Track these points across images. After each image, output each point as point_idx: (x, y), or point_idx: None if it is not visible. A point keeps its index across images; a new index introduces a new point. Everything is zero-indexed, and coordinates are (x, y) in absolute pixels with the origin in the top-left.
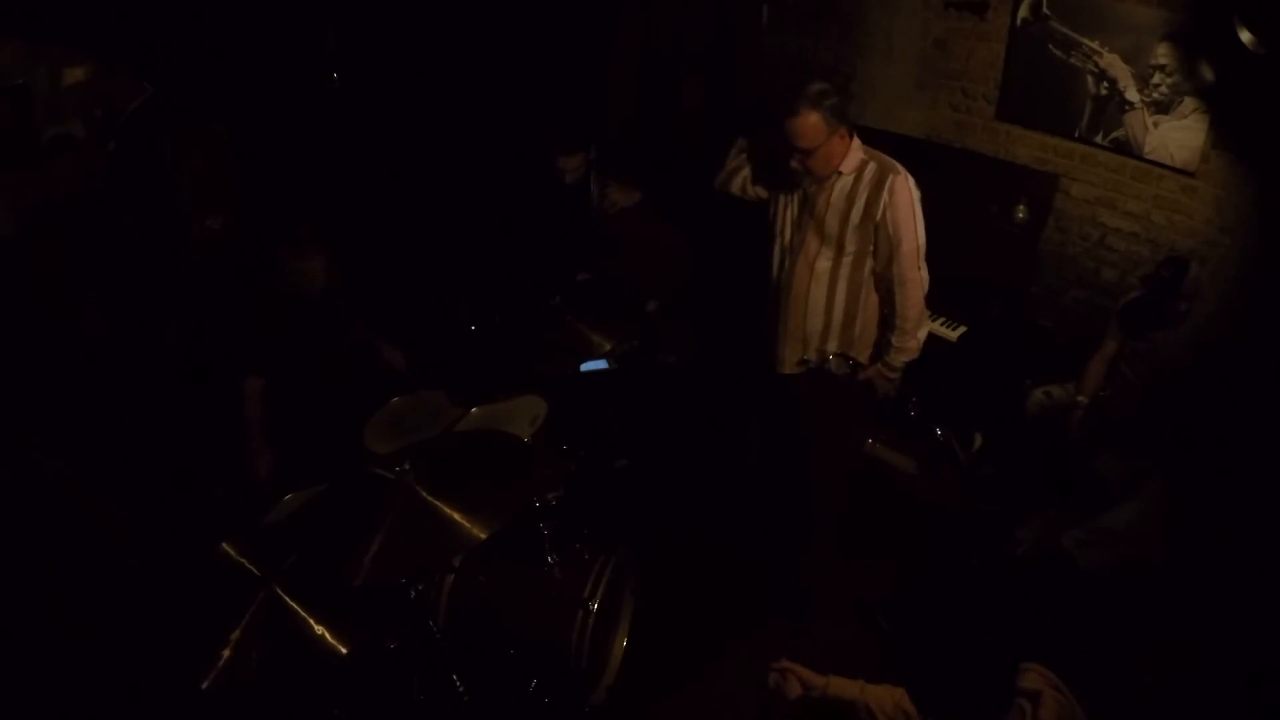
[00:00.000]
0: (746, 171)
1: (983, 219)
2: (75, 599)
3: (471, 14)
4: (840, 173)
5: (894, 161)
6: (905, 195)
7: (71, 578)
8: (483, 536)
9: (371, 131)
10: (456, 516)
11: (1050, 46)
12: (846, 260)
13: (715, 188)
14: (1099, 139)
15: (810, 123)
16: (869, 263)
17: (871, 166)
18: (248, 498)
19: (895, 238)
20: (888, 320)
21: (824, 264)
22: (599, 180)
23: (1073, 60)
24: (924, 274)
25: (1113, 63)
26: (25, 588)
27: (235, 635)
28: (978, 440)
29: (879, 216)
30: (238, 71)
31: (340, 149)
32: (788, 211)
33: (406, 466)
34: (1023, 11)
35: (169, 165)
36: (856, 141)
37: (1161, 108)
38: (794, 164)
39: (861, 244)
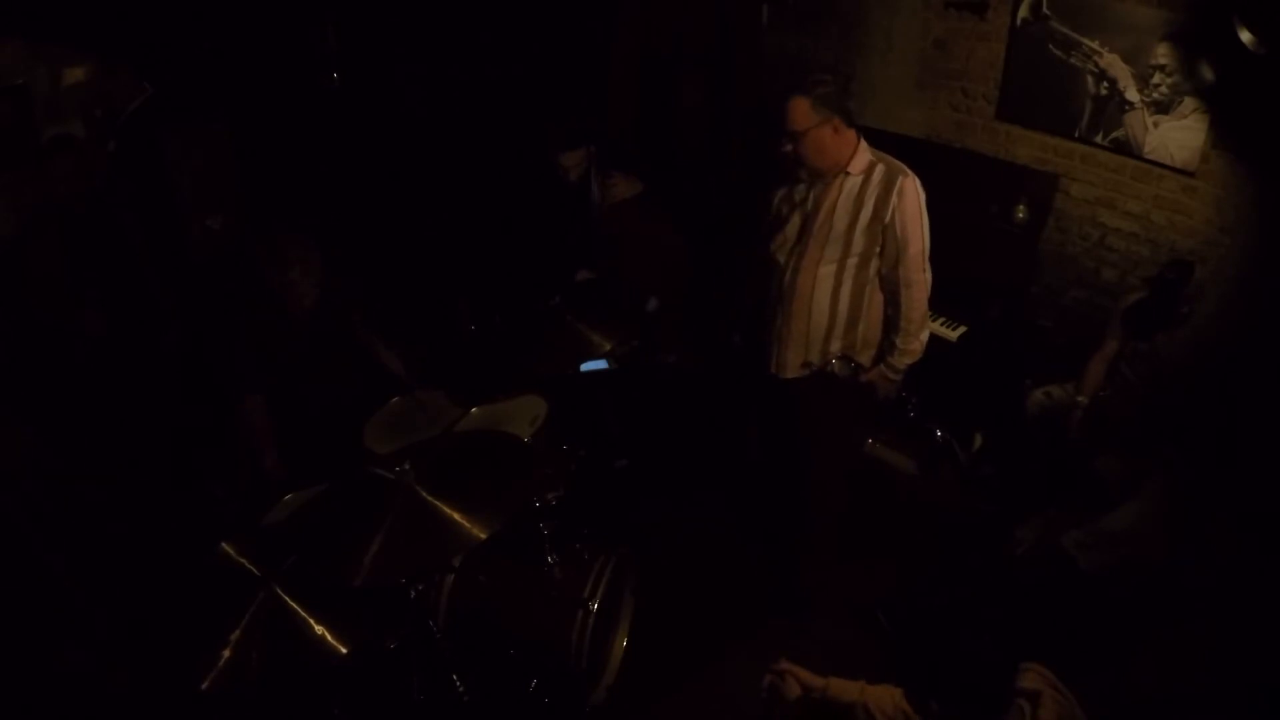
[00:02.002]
0: None
1: (983, 219)
2: (78, 594)
3: (471, 14)
4: (848, 173)
5: (901, 164)
6: (914, 197)
7: (74, 574)
8: (483, 536)
9: (371, 132)
10: (456, 516)
11: (1050, 46)
12: (852, 262)
13: None
14: (1099, 139)
15: (797, 106)
16: (874, 264)
17: (880, 168)
18: (248, 498)
19: (903, 239)
20: (891, 322)
21: (829, 266)
22: (600, 173)
23: (1073, 60)
24: (928, 275)
25: (1113, 63)
26: (30, 583)
27: (235, 635)
28: (978, 440)
29: (888, 218)
30: (238, 71)
31: (340, 149)
32: (792, 215)
33: (406, 466)
34: (1023, 11)
35: (169, 165)
36: (864, 144)
37: (1161, 108)
38: (785, 148)
39: (868, 246)
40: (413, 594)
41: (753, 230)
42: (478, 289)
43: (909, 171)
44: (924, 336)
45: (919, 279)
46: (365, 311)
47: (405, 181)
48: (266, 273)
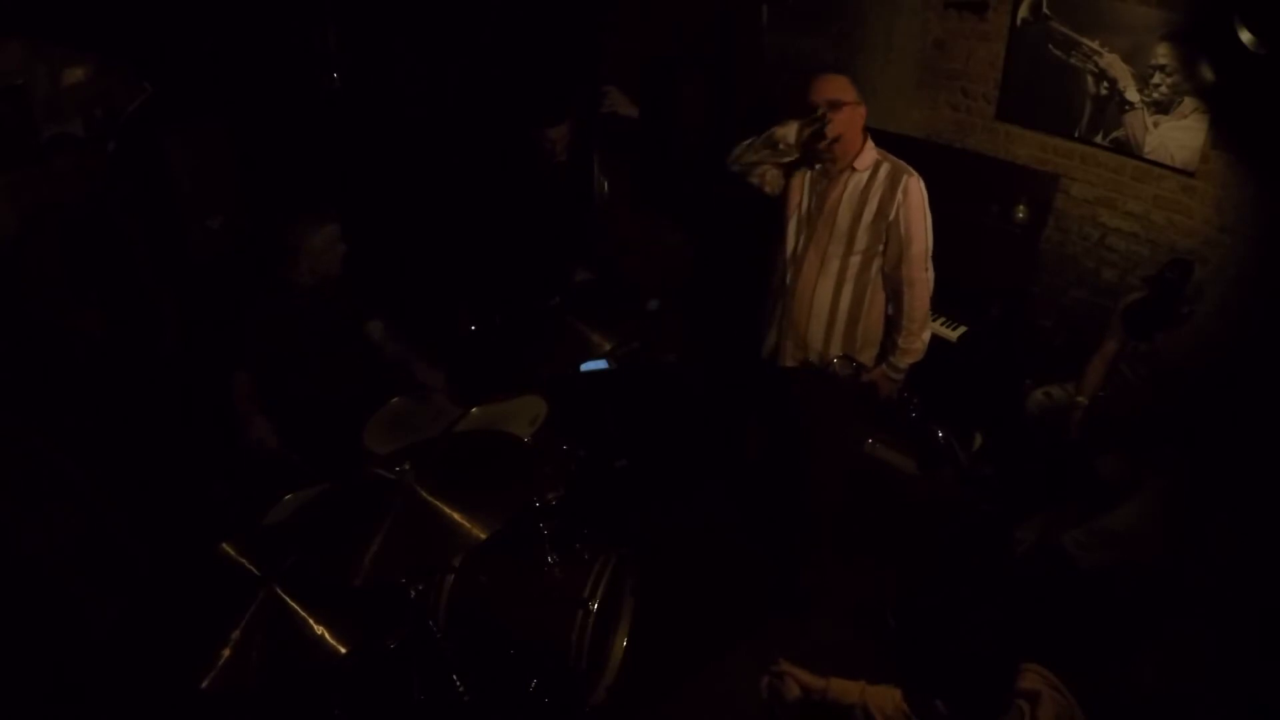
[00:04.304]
0: (769, 169)
1: (983, 219)
2: (78, 594)
3: (471, 14)
4: (854, 169)
5: (906, 164)
6: (918, 197)
7: (74, 573)
8: (483, 536)
9: (371, 131)
10: (456, 516)
11: (1050, 46)
12: (855, 259)
13: (731, 161)
14: (1099, 139)
15: (838, 81)
16: (876, 263)
17: (885, 167)
18: (248, 498)
19: (906, 238)
20: (893, 322)
21: (833, 263)
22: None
23: (1073, 60)
24: (930, 275)
25: (1113, 63)
26: (29, 583)
27: (235, 635)
28: (978, 440)
29: (892, 216)
30: (237, 71)
31: (340, 149)
32: (798, 208)
33: (406, 466)
34: (1023, 11)
35: (169, 165)
36: (870, 142)
37: (1161, 108)
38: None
39: (872, 243)
40: (413, 594)
41: (753, 228)
42: (478, 289)
43: (914, 171)
44: (926, 336)
45: (921, 278)
46: (395, 324)
47: (404, 181)
48: (275, 243)
